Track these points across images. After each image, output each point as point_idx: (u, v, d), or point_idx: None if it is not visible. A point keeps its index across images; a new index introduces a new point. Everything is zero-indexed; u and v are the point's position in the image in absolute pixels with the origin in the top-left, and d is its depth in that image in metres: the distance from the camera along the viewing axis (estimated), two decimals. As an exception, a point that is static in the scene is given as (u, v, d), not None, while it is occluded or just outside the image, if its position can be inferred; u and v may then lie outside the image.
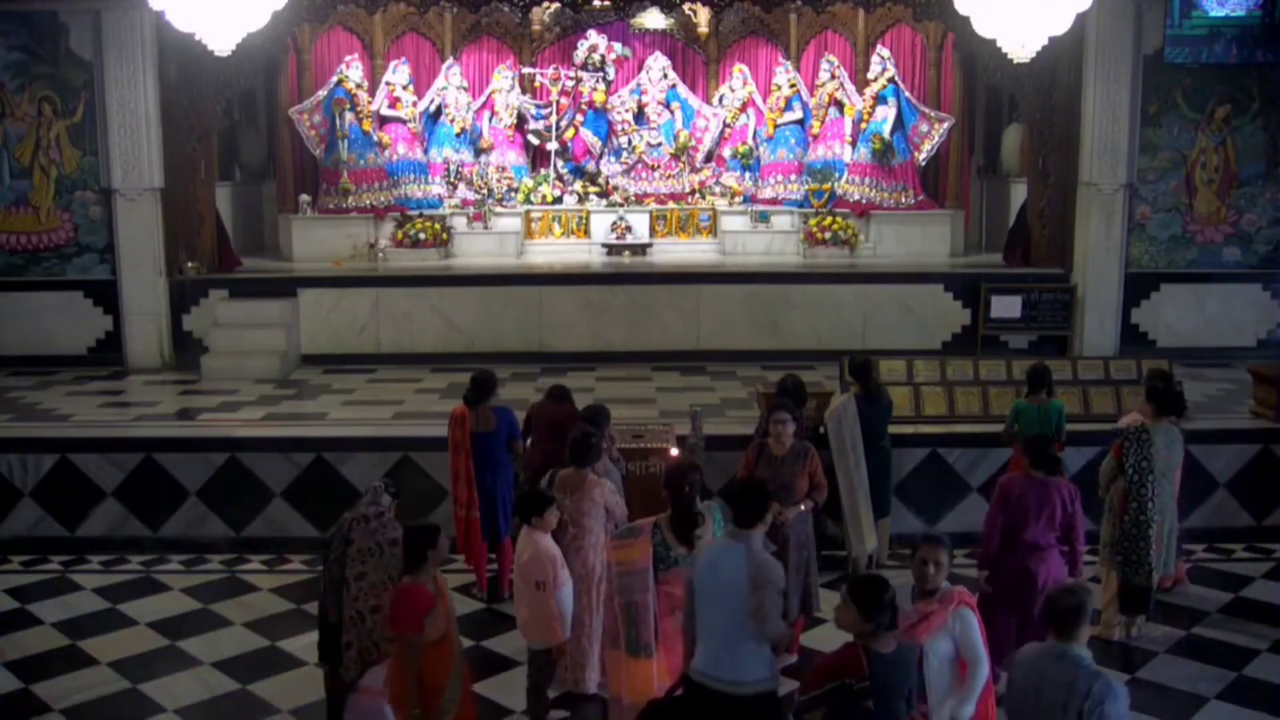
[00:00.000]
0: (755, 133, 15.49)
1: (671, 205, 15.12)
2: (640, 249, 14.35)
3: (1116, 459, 7.48)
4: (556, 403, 8.06)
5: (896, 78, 14.60)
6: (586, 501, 6.55)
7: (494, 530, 8.11)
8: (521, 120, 15.54)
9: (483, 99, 15.47)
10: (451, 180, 15.04)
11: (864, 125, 14.66)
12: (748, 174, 15.44)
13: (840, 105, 14.92)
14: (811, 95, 15.27)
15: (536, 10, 15.08)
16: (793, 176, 15.17)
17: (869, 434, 8.42)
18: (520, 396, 10.63)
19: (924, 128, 14.54)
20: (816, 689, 4.27)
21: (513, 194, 15.04)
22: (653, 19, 15.46)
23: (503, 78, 15.42)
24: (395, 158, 14.69)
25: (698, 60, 16.18)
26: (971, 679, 4.99)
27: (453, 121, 15.09)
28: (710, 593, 5.00)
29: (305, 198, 14.56)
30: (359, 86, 14.51)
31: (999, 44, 9.59)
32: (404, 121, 14.77)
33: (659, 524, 5.88)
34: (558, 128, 15.42)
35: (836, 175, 14.77)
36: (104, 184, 12.29)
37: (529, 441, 8.10)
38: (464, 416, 8.01)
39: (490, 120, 15.40)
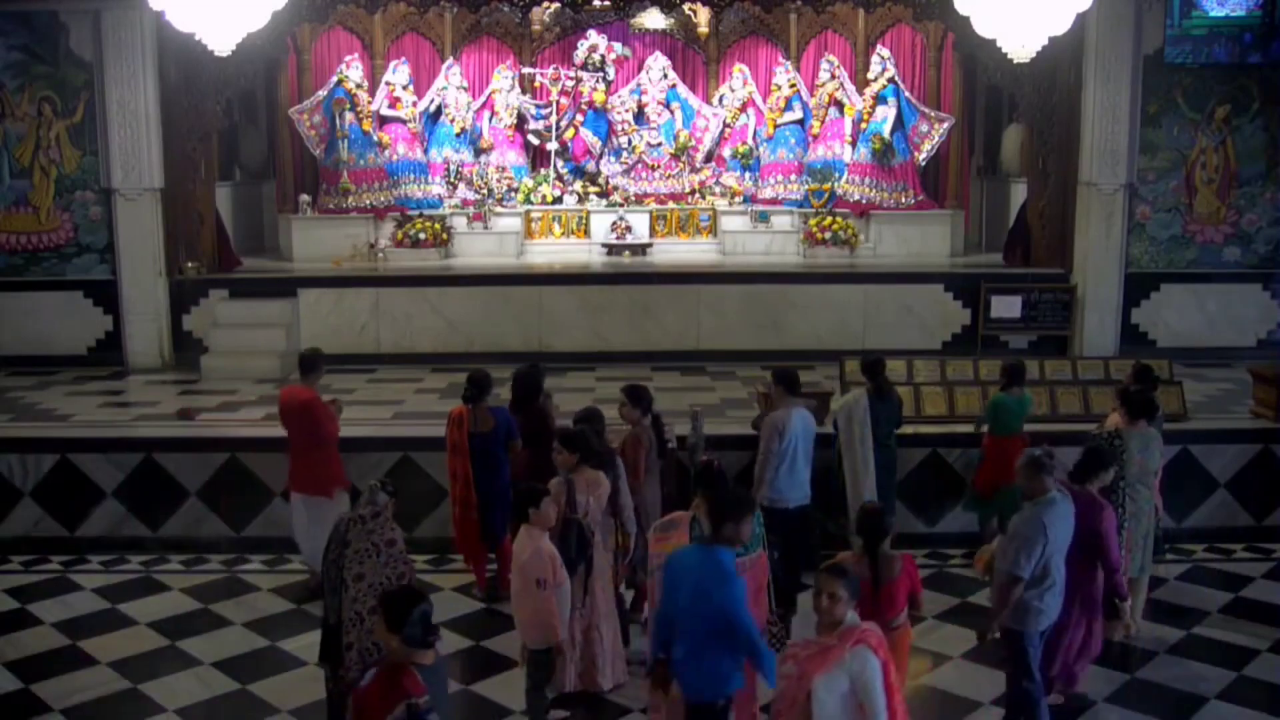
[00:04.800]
0: (755, 133, 15.48)
1: (671, 205, 15.12)
2: (640, 249, 14.35)
3: None
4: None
5: (896, 78, 14.59)
6: (606, 500, 6.71)
7: (492, 531, 8.11)
8: (521, 120, 15.54)
9: (483, 99, 15.47)
10: (451, 180, 15.04)
11: (864, 125, 14.65)
12: (748, 174, 15.43)
13: (840, 105, 14.92)
14: (811, 95, 15.26)
15: (536, 10, 15.07)
16: (793, 176, 15.16)
17: (877, 433, 8.43)
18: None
19: (924, 128, 14.54)
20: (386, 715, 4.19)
21: (513, 194, 15.03)
22: (653, 19, 15.46)
23: (503, 78, 15.41)
24: (395, 158, 14.68)
25: (698, 60, 16.17)
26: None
27: (453, 121, 15.08)
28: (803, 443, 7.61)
29: (305, 198, 14.56)
30: (359, 86, 14.50)
31: (999, 44, 9.61)
32: (404, 121, 14.77)
33: (697, 517, 5.86)
34: (558, 128, 15.42)
35: (836, 175, 14.76)
36: (104, 184, 12.28)
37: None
38: (462, 417, 8.01)
39: (490, 120, 15.40)
